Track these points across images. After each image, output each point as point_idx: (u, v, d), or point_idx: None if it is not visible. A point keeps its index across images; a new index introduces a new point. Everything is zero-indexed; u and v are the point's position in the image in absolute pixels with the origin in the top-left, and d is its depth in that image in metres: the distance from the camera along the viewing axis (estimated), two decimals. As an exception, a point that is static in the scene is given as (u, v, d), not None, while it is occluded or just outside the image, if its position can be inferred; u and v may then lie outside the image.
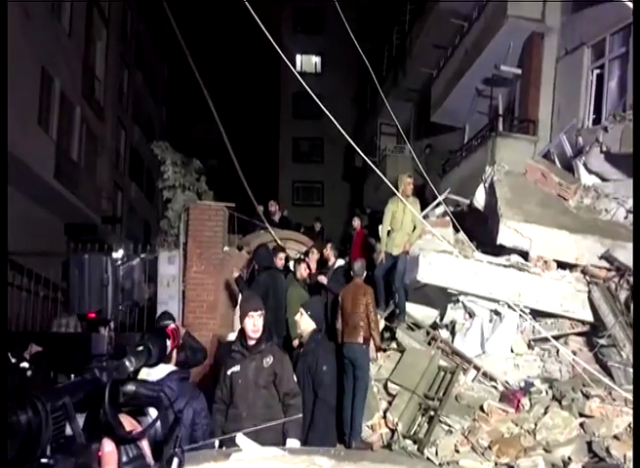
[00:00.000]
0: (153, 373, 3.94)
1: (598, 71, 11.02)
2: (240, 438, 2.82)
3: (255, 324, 4.24)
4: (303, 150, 28.86)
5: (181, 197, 8.46)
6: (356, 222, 11.04)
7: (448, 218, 9.08)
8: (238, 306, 4.79)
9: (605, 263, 7.69)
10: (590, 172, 9.00)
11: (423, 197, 11.91)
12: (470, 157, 12.52)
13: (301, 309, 5.17)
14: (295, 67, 29.53)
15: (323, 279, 8.25)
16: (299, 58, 29.19)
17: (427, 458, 6.21)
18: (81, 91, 16.64)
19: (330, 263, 8.69)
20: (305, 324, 5.11)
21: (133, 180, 21.45)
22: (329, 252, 8.69)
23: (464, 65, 13.82)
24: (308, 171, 28.04)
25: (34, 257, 11.34)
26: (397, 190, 8.25)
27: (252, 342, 4.28)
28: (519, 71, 12.50)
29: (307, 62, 29.50)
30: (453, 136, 15.56)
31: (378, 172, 8.78)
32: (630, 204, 8.39)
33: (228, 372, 4.30)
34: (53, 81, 14.90)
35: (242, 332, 4.38)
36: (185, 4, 28.77)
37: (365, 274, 7.55)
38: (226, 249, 8.32)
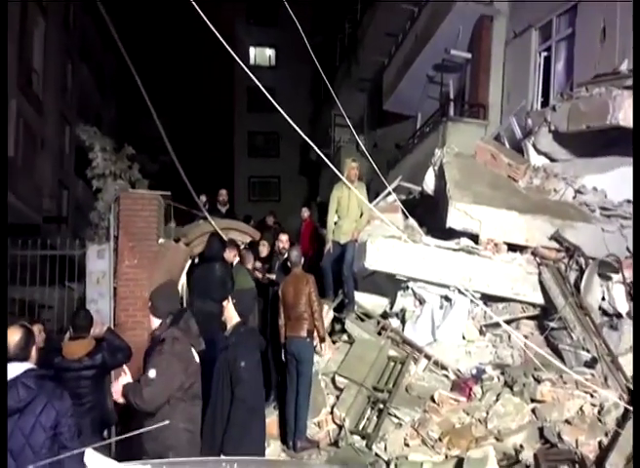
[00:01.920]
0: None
1: (545, 53, 10.91)
2: (89, 454, 2.37)
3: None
4: (259, 145, 28.39)
5: (112, 186, 7.86)
6: (305, 213, 10.56)
7: (397, 204, 8.75)
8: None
9: (555, 244, 7.47)
10: (539, 152, 8.81)
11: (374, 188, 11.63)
12: (422, 144, 12.30)
13: (229, 298, 4.76)
14: (248, 60, 29.12)
15: (266, 276, 7.81)
16: (252, 50, 28.70)
17: (376, 454, 5.88)
18: (17, 83, 15.76)
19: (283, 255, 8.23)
20: (230, 314, 4.69)
21: (80, 178, 20.60)
22: (284, 243, 8.16)
23: (415, 52, 13.60)
24: (264, 165, 27.57)
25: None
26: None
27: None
28: (469, 55, 12.33)
29: (261, 55, 29.01)
30: (406, 124, 15.34)
31: (327, 160, 8.28)
32: (579, 183, 8.23)
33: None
34: (-17, 72, 14.06)
35: None
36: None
37: (302, 262, 7.08)
38: (162, 241, 7.79)
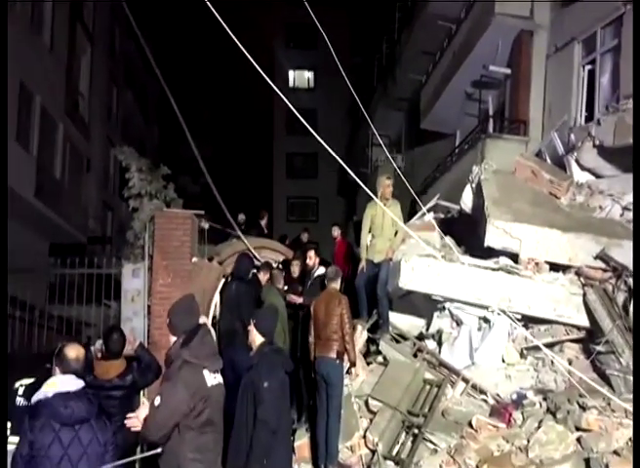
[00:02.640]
0: (65, 383, 3.57)
1: (590, 67, 10.55)
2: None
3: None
4: (297, 166, 28.51)
5: (148, 206, 7.94)
6: (335, 232, 10.37)
7: (433, 222, 8.53)
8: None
9: (600, 263, 7.12)
10: (583, 168, 8.48)
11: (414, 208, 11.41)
12: (460, 161, 12.03)
13: (250, 320, 4.64)
14: (288, 83, 29.44)
15: (295, 299, 7.67)
16: (291, 73, 29.00)
17: (410, 481, 5.63)
18: (64, 107, 16.26)
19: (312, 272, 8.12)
20: (253, 336, 4.57)
21: (123, 200, 21.03)
22: (312, 259, 8.09)
23: (452, 69, 13.41)
24: (303, 186, 27.64)
25: (16, 280, 10.89)
26: (376, 195, 7.77)
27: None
28: (508, 71, 12.06)
29: (300, 78, 29.27)
30: (444, 142, 15.10)
31: (358, 181, 8.10)
32: (626, 200, 7.85)
33: None
34: (32, 97, 14.54)
35: None
36: (181, 24, 28.81)
37: (340, 280, 6.96)
38: (195, 259, 7.78)
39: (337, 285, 6.79)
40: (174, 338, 3.69)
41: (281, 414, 4.38)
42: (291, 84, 29.54)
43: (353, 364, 6.50)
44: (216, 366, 3.71)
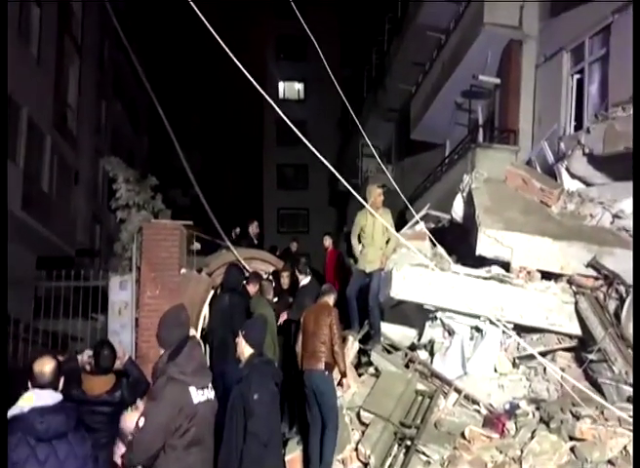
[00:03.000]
0: (41, 397, 3.44)
1: (578, 76, 10.60)
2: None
3: None
4: (288, 177, 28.49)
5: (136, 217, 7.87)
6: (327, 242, 10.28)
7: (424, 231, 8.48)
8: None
9: (592, 272, 7.08)
10: (573, 176, 8.47)
11: (404, 219, 11.38)
12: (450, 171, 12.02)
13: (239, 332, 4.54)
14: (277, 94, 29.48)
15: (284, 315, 7.58)
16: (281, 84, 29.05)
17: (402, 494, 5.52)
18: (52, 119, 16.15)
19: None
20: (241, 348, 4.48)
21: (112, 212, 20.88)
22: (299, 271, 8.02)
23: (442, 79, 13.45)
24: (293, 197, 27.61)
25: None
26: (367, 202, 7.72)
27: None
28: (498, 81, 12.10)
29: (290, 89, 29.33)
30: (434, 153, 15.11)
31: (350, 189, 8.04)
32: (617, 208, 7.84)
33: None
34: (20, 109, 14.42)
35: None
36: (172, 35, 28.82)
37: (333, 296, 6.91)
38: (184, 271, 7.68)
39: (329, 299, 6.75)
40: (162, 351, 3.59)
41: (272, 427, 4.28)
42: (281, 95, 29.58)
43: (344, 375, 6.40)
44: (203, 382, 3.59)
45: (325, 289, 6.95)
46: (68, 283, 8.33)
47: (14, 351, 8.74)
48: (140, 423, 3.32)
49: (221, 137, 33.46)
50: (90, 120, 20.06)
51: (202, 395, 3.55)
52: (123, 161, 9.38)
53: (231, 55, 5.95)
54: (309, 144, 6.41)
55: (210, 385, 3.69)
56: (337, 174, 7.54)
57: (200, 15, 5.66)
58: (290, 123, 6.28)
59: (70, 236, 17.47)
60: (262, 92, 5.81)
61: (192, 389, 3.50)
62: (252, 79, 5.98)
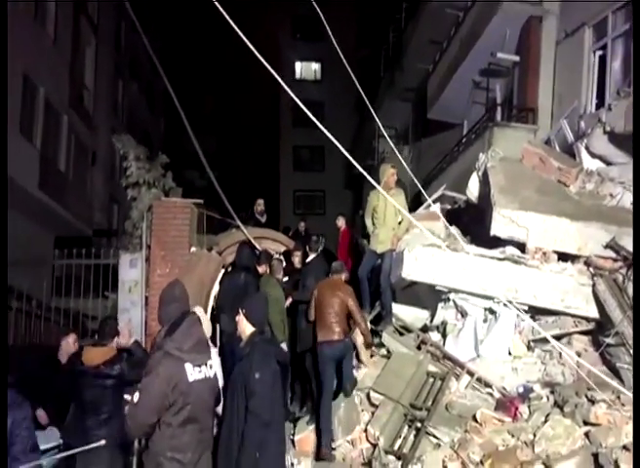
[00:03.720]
0: None
1: (600, 52, 10.25)
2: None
3: None
4: (304, 159, 28.34)
5: (147, 195, 7.81)
6: (340, 221, 10.18)
7: (437, 212, 8.32)
8: None
9: (611, 253, 6.87)
10: (593, 155, 8.22)
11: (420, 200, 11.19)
12: (467, 151, 11.78)
13: (239, 309, 4.45)
14: (294, 75, 29.20)
15: (290, 298, 7.54)
16: (298, 65, 28.76)
17: (411, 476, 5.45)
18: (68, 100, 16.16)
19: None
20: (242, 326, 4.38)
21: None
22: (310, 249, 7.95)
23: (460, 57, 13.13)
24: (309, 179, 27.47)
25: (20, 272, 10.80)
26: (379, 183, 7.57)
27: None
28: (517, 58, 11.78)
29: (307, 69, 29.04)
30: (452, 133, 14.82)
31: (363, 171, 7.86)
32: None
33: None
34: (36, 89, 14.46)
35: None
36: (188, 16, 28.64)
37: (344, 274, 7.08)
38: (194, 249, 7.63)
39: (341, 277, 6.96)
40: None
41: (274, 407, 4.19)
42: (297, 76, 29.31)
43: (370, 345, 6.80)
44: (201, 359, 3.51)
45: (336, 267, 7.07)
46: (80, 261, 8.37)
47: (29, 328, 8.83)
48: (135, 398, 3.27)
49: (237, 120, 33.32)
50: (106, 101, 20.07)
51: (199, 372, 3.48)
52: (138, 140, 9.33)
53: (244, 37, 5.75)
54: (322, 127, 6.22)
55: (209, 363, 3.61)
56: (348, 156, 7.33)
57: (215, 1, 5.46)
58: (302, 105, 6.09)
59: (88, 216, 17.60)
60: (277, 75, 5.62)
61: (188, 366, 3.43)
62: (266, 63, 5.76)
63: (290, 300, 7.35)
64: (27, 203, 13.74)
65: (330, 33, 8.06)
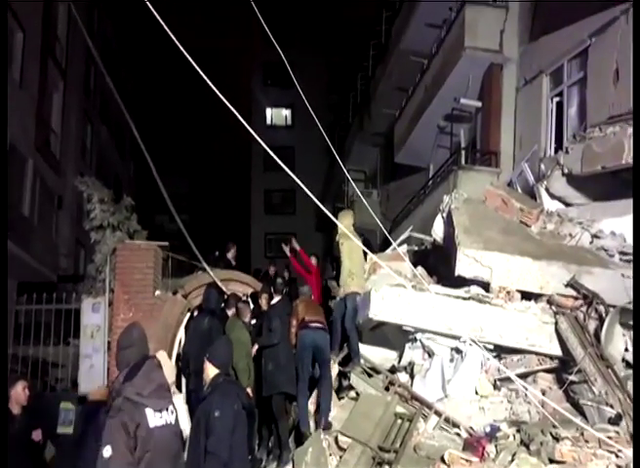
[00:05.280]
0: None
1: (557, 99, 10.69)
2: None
3: None
4: (275, 202, 28.53)
5: (111, 238, 7.72)
6: (313, 260, 10.21)
7: (403, 252, 8.41)
8: None
9: (571, 291, 6.99)
10: (553, 196, 8.46)
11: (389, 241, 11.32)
12: (433, 193, 12.02)
13: (205, 358, 4.41)
14: (265, 121, 29.62)
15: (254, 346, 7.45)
16: (269, 111, 29.20)
17: (380, 522, 5.32)
18: (34, 143, 16.05)
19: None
20: (207, 371, 4.38)
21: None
22: (265, 301, 7.89)
23: (425, 102, 13.53)
24: (281, 222, 27.56)
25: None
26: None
27: None
28: (479, 104, 12.20)
29: (278, 115, 29.50)
30: (419, 176, 15.14)
31: (328, 213, 7.92)
32: (596, 228, 7.82)
33: None
34: (1, 132, 14.32)
35: None
36: (156, 60, 29.02)
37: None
38: (158, 293, 7.53)
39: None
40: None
41: (233, 448, 4.09)
42: (269, 122, 29.75)
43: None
44: (162, 404, 3.37)
45: (305, 292, 7.62)
46: (42, 306, 8.15)
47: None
48: (107, 453, 3.10)
49: (209, 163, 33.50)
50: (74, 145, 19.97)
51: (160, 418, 3.33)
52: (107, 184, 9.26)
53: (213, 86, 5.83)
54: (291, 173, 6.31)
55: (170, 408, 3.50)
56: (315, 199, 7.45)
57: (183, 49, 5.54)
58: (271, 152, 6.16)
59: (53, 261, 17.22)
60: (245, 122, 5.70)
61: (149, 411, 3.29)
62: (235, 111, 5.82)
63: (256, 347, 7.20)
64: (-11, 247, 13.41)
65: (296, 82, 8.29)
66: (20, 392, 5.70)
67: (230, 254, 9.94)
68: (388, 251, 10.17)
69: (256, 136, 6.08)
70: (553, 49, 10.62)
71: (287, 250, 10.64)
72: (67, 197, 18.95)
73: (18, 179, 15.24)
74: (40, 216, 16.61)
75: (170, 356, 7.23)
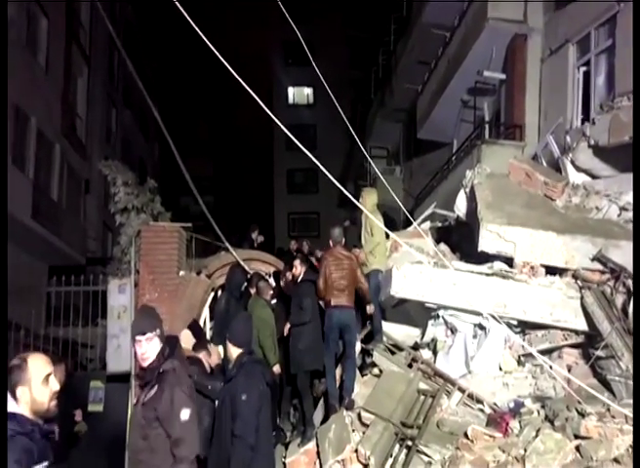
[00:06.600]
0: None
1: (584, 68, 10.38)
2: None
3: (142, 350, 3.52)
4: (298, 181, 28.48)
5: (135, 220, 7.81)
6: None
7: (424, 229, 8.33)
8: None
9: (598, 265, 6.86)
10: (579, 169, 8.26)
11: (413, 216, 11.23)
12: (457, 169, 11.84)
13: (226, 339, 4.44)
14: (287, 100, 29.48)
15: (287, 326, 7.35)
16: (291, 90, 29.05)
17: (402, 496, 5.36)
18: (61, 129, 16.26)
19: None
20: (230, 351, 4.39)
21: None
22: (298, 269, 7.84)
23: (447, 76, 13.29)
24: (304, 201, 27.59)
25: (12, 302, 10.74)
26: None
27: (141, 372, 3.60)
28: (503, 76, 11.93)
29: (300, 94, 29.33)
30: (442, 151, 14.93)
31: (348, 194, 7.83)
32: (624, 200, 7.62)
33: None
34: (28, 119, 14.53)
35: None
36: (178, 43, 29.01)
37: (343, 241, 7.21)
38: (182, 273, 7.61)
39: (342, 244, 7.12)
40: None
41: (260, 430, 4.13)
42: (290, 101, 29.61)
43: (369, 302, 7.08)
44: None
45: (336, 238, 7.14)
46: (70, 288, 8.32)
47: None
48: (185, 416, 3.33)
49: (233, 144, 33.55)
50: (99, 129, 20.17)
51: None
52: (132, 168, 9.35)
53: (233, 71, 5.78)
54: (307, 152, 6.26)
55: None
56: (336, 182, 7.37)
57: (201, 34, 5.49)
58: (289, 133, 6.11)
59: (82, 245, 17.53)
60: (263, 105, 5.64)
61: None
62: (253, 93, 5.77)
63: (288, 326, 7.16)
64: (21, 233, 13.72)
65: (313, 62, 8.18)
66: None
67: (254, 235, 9.98)
68: (411, 228, 10.09)
69: (273, 117, 6.06)
70: (580, 16, 10.29)
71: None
72: (94, 181, 19.20)
73: (46, 165, 15.50)
74: (68, 201, 16.89)
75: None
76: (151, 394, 3.40)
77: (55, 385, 2.60)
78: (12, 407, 2.53)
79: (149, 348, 3.49)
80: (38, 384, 2.55)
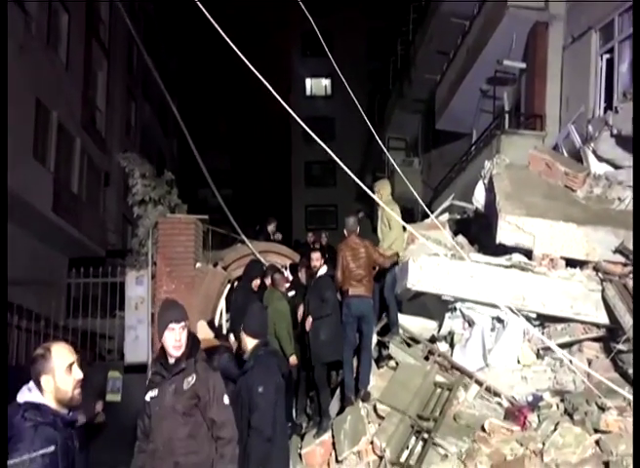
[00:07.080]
0: None
1: (608, 56, 10.14)
2: None
3: (177, 338, 3.54)
4: (316, 174, 28.41)
5: (153, 212, 7.85)
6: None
7: (442, 221, 8.24)
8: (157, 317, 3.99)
9: (620, 258, 6.72)
10: (601, 159, 8.08)
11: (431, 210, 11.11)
12: (476, 160, 11.69)
13: (241, 331, 4.42)
14: (305, 91, 29.37)
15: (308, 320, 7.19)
16: (308, 81, 28.91)
17: (418, 489, 5.33)
18: (81, 122, 16.40)
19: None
20: (245, 341, 4.36)
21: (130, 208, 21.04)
22: (318, 261, 7.81)
23: (466, 66, 13.11)
24: (321, 194, 27.52)
25: (33, 293, 10.92)
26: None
27: (172, 361, 3.58)
28: (524, 65, 11.71)
29: (317, 86, 29.19)
30: (461, 142, 14.75)
31: (368, 191, 7.73)
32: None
33: (147, 399, 3.61)
34: (49, 113, 14.68)
35: (162, 350, 3.67)
36: (197, 37, 29.08)
37: (358, 230, 7.21)
38: (199, 265, 7.63)
39: (356, 233, 7.12)
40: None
41: (276, 422, 4.12)
42: (308, 92, 29.49)
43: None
44: None
45: (350, 227, 7.14)
46: (89, 280, 8.41)
47: (36, 347, 8.86)
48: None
49: (251, 137, 33.61)
50: (119, 122, 20.31)
51: None
52: (151, 161, 9.41)
53: (248, 62, 5.73)
54: (324, 145, 6.22)
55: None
56: (352, 175, 7.30)
57: (218, 27, 5.46)
58: (304, 124, 6.06)
59: (101, 237, 17.71)
60: (279, 97, 5.60)
61: None
62: (269, 85, 5.72)
63: (310, 320, 7.05)
64: (41, 226, 13.88)
65: (329, 54, 8.10)
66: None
67: (271, 228, 9.98)
68: (428, 220, 9.99)
69: (289, 110, 6.02)
70: (603, 3, 10.04)
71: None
72: (114, 174, 19.35)
73: (66, 158, 15.66)
74: (88, 194, 17.06)
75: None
76: (190, 382, 3.47)
77: (78, 374, 2.61)
78: (36, 396, 2.54)
79: (184, 336, 3.55)
80: (62, 373, 2.56)
